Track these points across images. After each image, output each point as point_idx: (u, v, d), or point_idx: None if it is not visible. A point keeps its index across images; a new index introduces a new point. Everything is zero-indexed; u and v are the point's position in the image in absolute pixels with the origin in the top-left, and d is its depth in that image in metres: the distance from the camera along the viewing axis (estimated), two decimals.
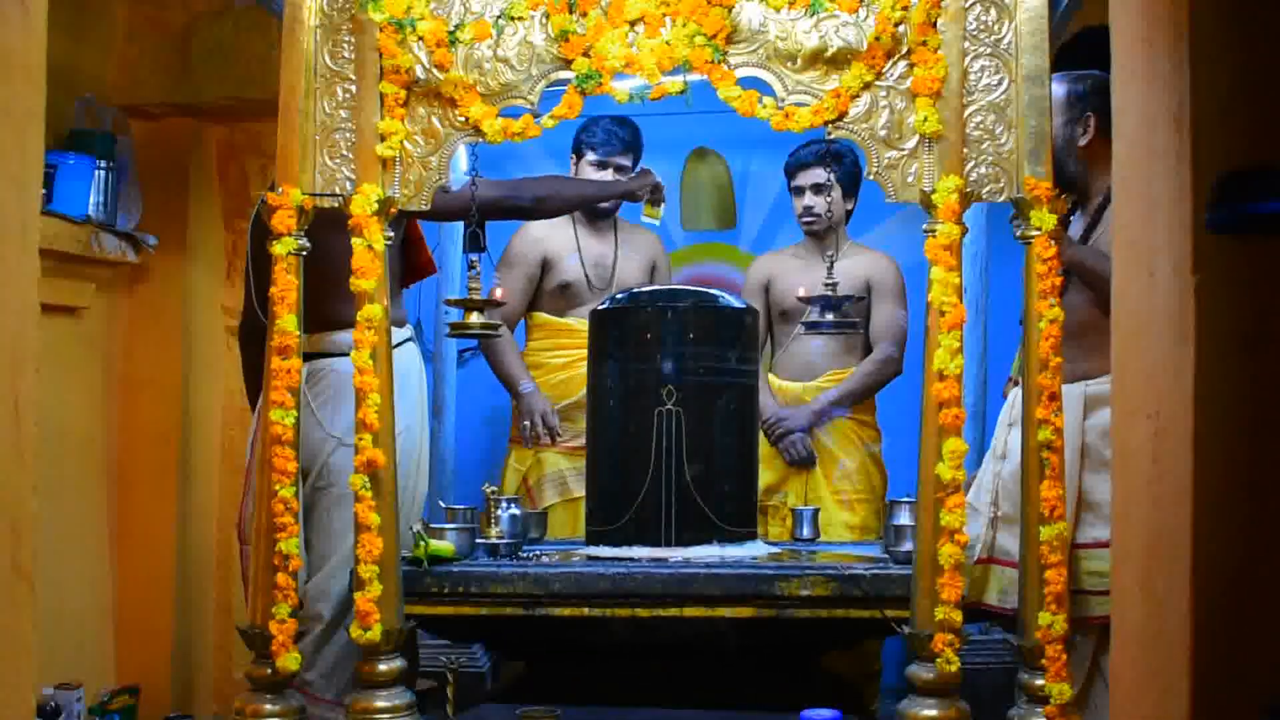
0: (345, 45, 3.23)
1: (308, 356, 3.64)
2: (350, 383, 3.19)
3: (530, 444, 4.45)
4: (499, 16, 3.17)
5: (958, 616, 2.95)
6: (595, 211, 4.65)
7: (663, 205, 4.28)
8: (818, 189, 4.46)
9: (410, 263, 4.02)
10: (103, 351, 4.61)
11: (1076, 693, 3.01)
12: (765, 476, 4.22)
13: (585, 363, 4.12)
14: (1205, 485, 1.67)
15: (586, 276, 4.63)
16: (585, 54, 3.14)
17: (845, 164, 4.48)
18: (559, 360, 4.57)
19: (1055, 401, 2.95)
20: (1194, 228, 1.68)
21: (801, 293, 4.01)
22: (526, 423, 4.47)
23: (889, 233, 5.15)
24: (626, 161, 4.59)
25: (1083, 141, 3.32)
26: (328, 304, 3.48)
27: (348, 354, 3.27)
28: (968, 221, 3.10)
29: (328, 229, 3.26)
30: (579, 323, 4.49)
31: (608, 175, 4.56)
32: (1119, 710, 2.01)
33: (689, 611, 3.27)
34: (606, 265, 4.67)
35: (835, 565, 3.35)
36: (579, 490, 4.38)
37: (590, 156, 4.58)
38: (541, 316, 4.67)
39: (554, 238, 4.65)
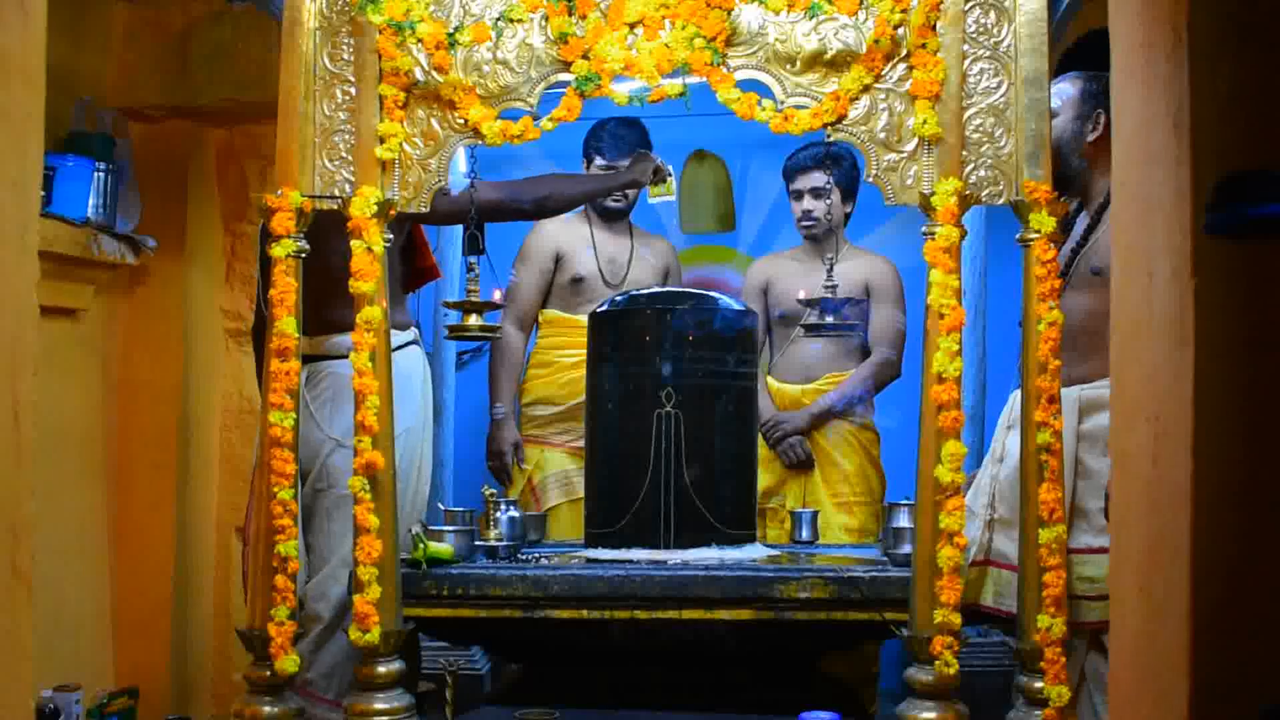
0: (344, 48, 3.23)
1: (308, 359, 3.65)
2: (350, 384, 3.19)
3: (498, 483, 4.47)
4: (498, 19, 3.17)
5: (956, 619, 2.95)
6: (608, 212, 4.66)
7: (669, 180, 4.24)
8: (816, 193, 4.46)
9: (414, 267, 4.02)
10: (102, 354, 4.61)
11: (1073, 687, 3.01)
12: (764, 479, 4.22)
13: None
14: (1204, 488, 1.67)
15: (600, 272, 4.63)
16: (584, 56, 3.14)
17: (844, 167, 4.48)
18: (568, 359, 4.56)
19: (1054, 404, 2.95)
20: (1193, 230, 1.68)
21: (801, 295, 4.01)
22: (495, 464, 4.53)
23: (888, 235, 5.15)
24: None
25: (1090, 138, 3.31)
26: (328, 307, 3.49)
27: (347, 356, 3.27)
28: (967, 224, 3.11)
29: (328, 232, 3.26)
30: None
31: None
32: (1117, 713, 2.01)
33: (687, 614, 3.27)
34: (621, 263, 4.67)
35: (834, 568, 3.35)
36: (583, 491, 4.38)
37: (599, 161, 4.59)
38: (552, 313, 4.67)
39: (568, 233, 4.67)
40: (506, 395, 4.57)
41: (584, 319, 4.49)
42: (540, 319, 4.70)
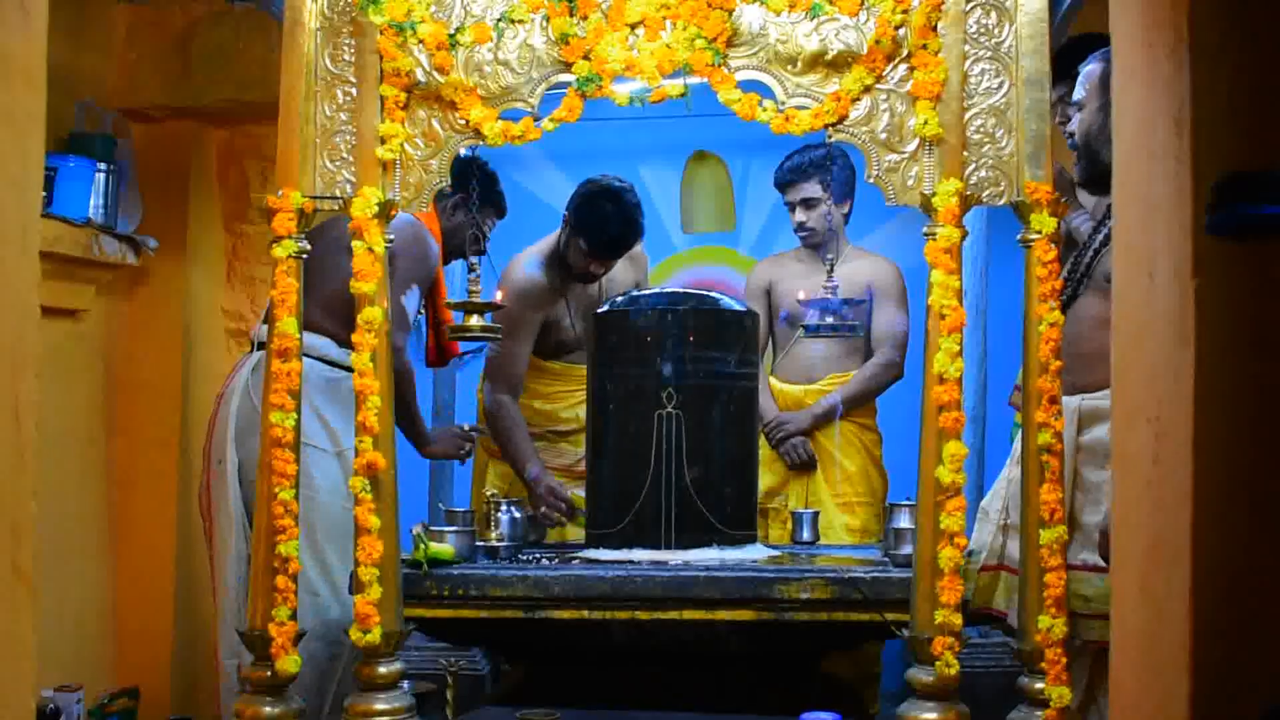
0: (345, 48, 3.23)
1: (263, 345, 3.70)
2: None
3: (549, 525, 4.24)
4: (499, 19, 3.18)
5: (957, 619, 2.95)
6: (583, 277, 4.40)
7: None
8: (807, 204, 4.45)
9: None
10: (103, 354, 4.61)
11: (1075, 707, 3.00)
12: (766, 479, 4.22)
13: (569, 393, 4.24)
14: (1205, 488, 1.67)
15: (577, 337, 4.51)
16: (585, 57, 3.14)
17: (833, 171, 4.44)
18: (549, 389, 4.52)
19: (1055, 405, 2.95)
20: (1194, 230, 1.68)
21: (802, 296, 4.01)
22: (542, 509, 4.20)
23: (889, 236, 5.15)
24: (616, 258, 4.37)
25: None
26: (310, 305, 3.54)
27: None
28: (968, 224, 3.10)
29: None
30: (565, 367, 4.50)
31: (595, 268, 4.31)
32: (1119, 713, 2.01)
33: (688, 614, 3.27)
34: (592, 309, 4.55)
35: (835, 568, 3.35)
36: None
37: (583, 245, 4.25)
38: (532, 358, 4.57)
39: (544, 302, 4.42)
40: (531, 453, 4.29)
41: (559, 366, 4.50)
42: None
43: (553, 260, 4.38)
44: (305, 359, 3.64)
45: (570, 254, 4.32)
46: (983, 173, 3.08)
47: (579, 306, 4.51)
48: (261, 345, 3.75)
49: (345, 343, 3.35)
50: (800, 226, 4.51)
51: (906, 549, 3.28)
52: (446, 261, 4.28)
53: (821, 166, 4.31)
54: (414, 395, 4.02)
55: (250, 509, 3.65)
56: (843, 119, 3.12)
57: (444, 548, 3.42)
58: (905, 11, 3.06)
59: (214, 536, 3.80)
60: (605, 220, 4.18)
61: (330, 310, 3.65)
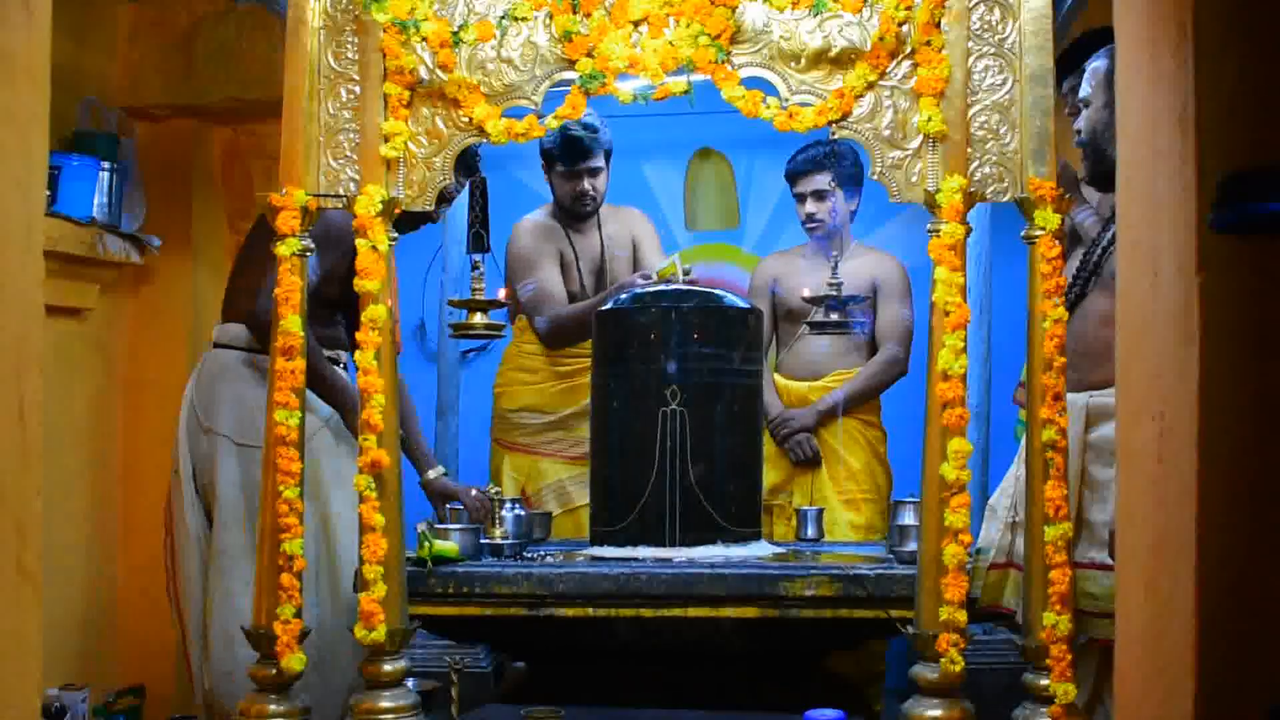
0: (349, 46, 3.23)
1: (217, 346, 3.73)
2: (222, 372, 3.25)
3: None
4: (502, 17, 3.17)
5: (962, 616, 2.95)
6: (579, 214, 4.52)
7: (673, 260, 3.93)
8: (818, 196, 4.46)
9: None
10: (107, 353, 4.62)
11: (1082, 705, 3.00)
12: (770, 476, 4.22)
13: (585, 373, 4.09)
14: (1210, 485, 1.67)
15: (584, 287, 4.56)
16: (589, 54, 3.14)
17: (845, 165, 4.47)
18: (561, 369, 4.53)
19: (1059, 402, 2.94)
20: (1198, 228, 1.68)
21: (806, 293, 4.01)
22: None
23: (892, 232, 5.15)
24: (598, 164, 4.43)
25: None
26: (239, 297, 3.61)
27: (239, 346, 3.52)
28: (971, 221, 3.10)
29: (263, 227, 3.31)
30: None
31: (582, 184, 4.42)
32: (1124, 711, 2.01)
33: (693, 612, 3.27)
34: (597, 271, 4.60)
35: (840, 565, 3.35)
36: (579, 499, 4.36)
37: (559, 168, 4.44)
38: None
39: (555, 240, 4.55)
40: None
41: None
42: (531, 330, 4.57)
43: (551, 211, 4.60)
44: (231, 350, 3.64)
45: (557, 190, 4.51)
46: (986, 169, 3.08)
47: (586, 261, 4.57)
48: (217, 345, 3.73)
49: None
50: (810, 218, 4.51)
51: (911, 546, 3.28)
52: (406, 229, 4.22)
53: (835, 157, 4.33)
54: (325, 367, 3.67)
55: (209, 516, 3.64)
56: (846, 116, 3.12)
57: (448, 545, 3.42)
58: (909, 8, 3.06)
59: (175, 551, 3.72)
60: (564, 130, 4.25)
61: (252, 296, 3.59)
